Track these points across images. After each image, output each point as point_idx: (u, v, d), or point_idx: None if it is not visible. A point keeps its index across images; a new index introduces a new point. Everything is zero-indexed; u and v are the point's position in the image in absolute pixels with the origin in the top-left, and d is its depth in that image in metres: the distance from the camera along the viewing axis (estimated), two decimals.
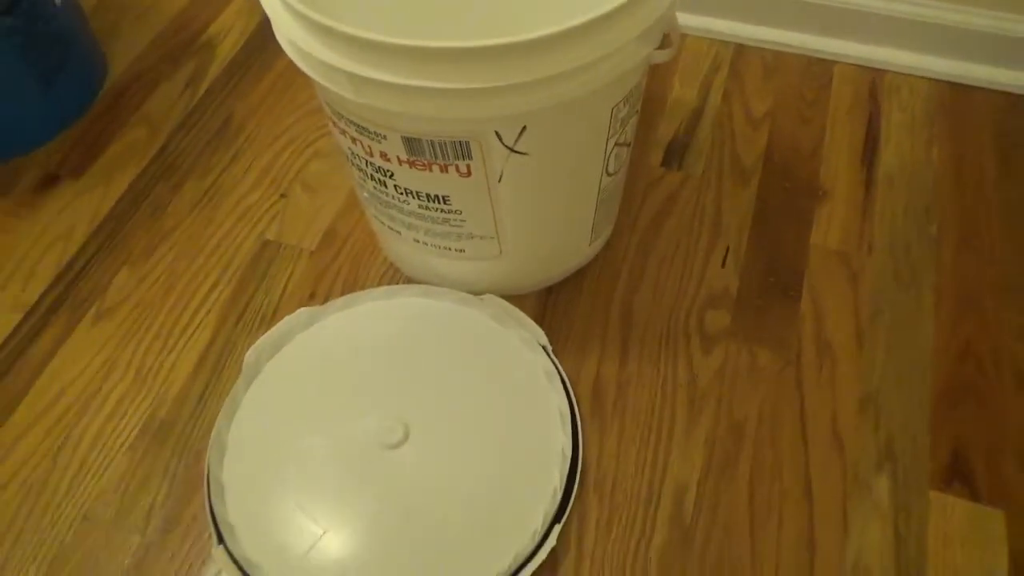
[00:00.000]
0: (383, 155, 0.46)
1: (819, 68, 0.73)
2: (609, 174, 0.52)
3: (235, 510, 0.49)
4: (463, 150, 0.43)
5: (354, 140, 0.46)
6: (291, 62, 0.74)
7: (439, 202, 0.48)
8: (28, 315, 0.60)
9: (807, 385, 0.54)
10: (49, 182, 0.68)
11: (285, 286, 0.61)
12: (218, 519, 0.48)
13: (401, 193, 0.49)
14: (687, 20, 0.76)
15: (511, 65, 0.38)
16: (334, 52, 0.39)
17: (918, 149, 0.66)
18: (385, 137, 0.44)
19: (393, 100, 0.39)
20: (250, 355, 0.55)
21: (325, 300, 0.59)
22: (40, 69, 0.67)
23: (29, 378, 0.56)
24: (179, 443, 0.53)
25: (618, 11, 0.38)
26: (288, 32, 0.41)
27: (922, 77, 0.71)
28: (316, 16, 0.38)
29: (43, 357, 0.57)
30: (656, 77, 0.72)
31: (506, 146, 0.43)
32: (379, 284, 0.60)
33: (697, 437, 0.52)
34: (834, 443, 0.51)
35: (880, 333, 0.56)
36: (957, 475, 0.50)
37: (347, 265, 0.62)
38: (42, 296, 0.61)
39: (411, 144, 0.43)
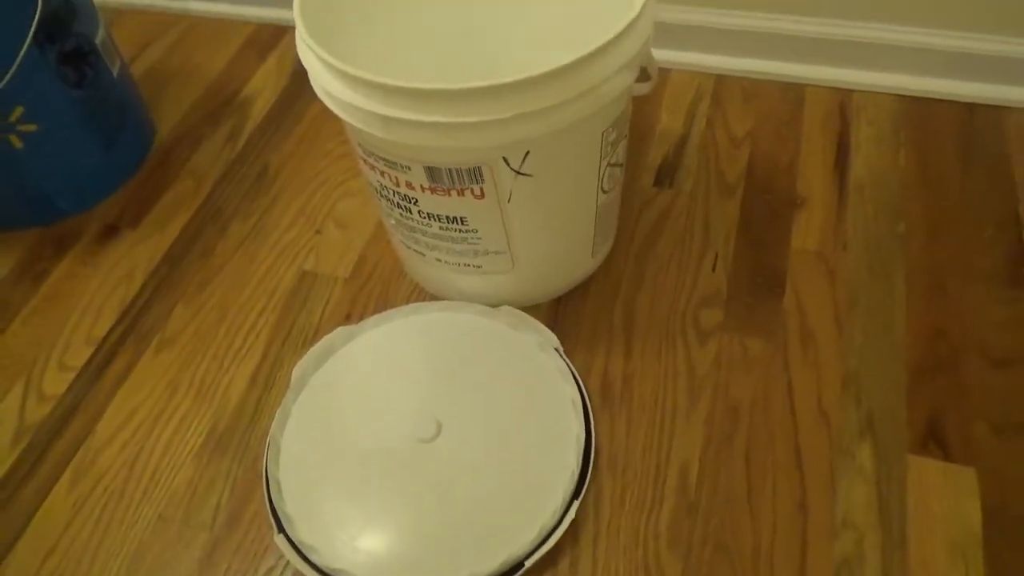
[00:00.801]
0: (408, 184, 0.53)
1: (792, 91, 0.80)
2: (604, 191, 0.59)
3: (291, 502, 0.55)
4: (476, 175, 0.51)
5: (383, 173, 0.54)
6: (319, 114, 0.84)
7: (458, 223, 0.56)
8: (99, 347, 0.67)
9: (794, 369, 0.60)
10: (110, 232, 0.76)
11: (324, 309, 0.68)
12: (277, 511, 0.55)
13: (424, 217, 0.57)
14: (671, 56, 0.84)
15: (515, 100, 0.45)
16: (366, 98, 0.46)
17: (885, 157, 0.73)
18: (409, 168, 0.52)
19: (416, 135, 0.47)
20: (296, 370, 0.62)
21: (360, 319, 0.66)
22: (102, 133, 0.76)
23: (104, 400, 0.64)
24: (238, 450, 0.60)
25: (600, 50, 0.46)
26: (325, 83, 0.49)
27: (886, 93, 0.79)
28: (349, 68, 0.46)
29: (115, 382, 0.65)
30: (645, 109, 0.80)
31: (513, 169, 0.51)
32: (407, 303, 0.67)
33: (697, 419, 0.58)
34: (820, 418, 0.57)
35: (857, 320, 0.62)
36: (932, 439, 0.56)
37: (378, 288, 0.69)
38: (110, 331, 0.68)
39: (432, 173, 0.51)
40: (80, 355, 0.67)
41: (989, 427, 0.56)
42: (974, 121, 0.75)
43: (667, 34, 0.82)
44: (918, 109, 0.77)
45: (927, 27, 0.75)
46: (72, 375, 0.66)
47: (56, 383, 0.65)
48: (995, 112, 0.76)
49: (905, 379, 0.59)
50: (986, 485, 0.53)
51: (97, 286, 0.72)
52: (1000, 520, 0.52)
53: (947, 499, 0.53)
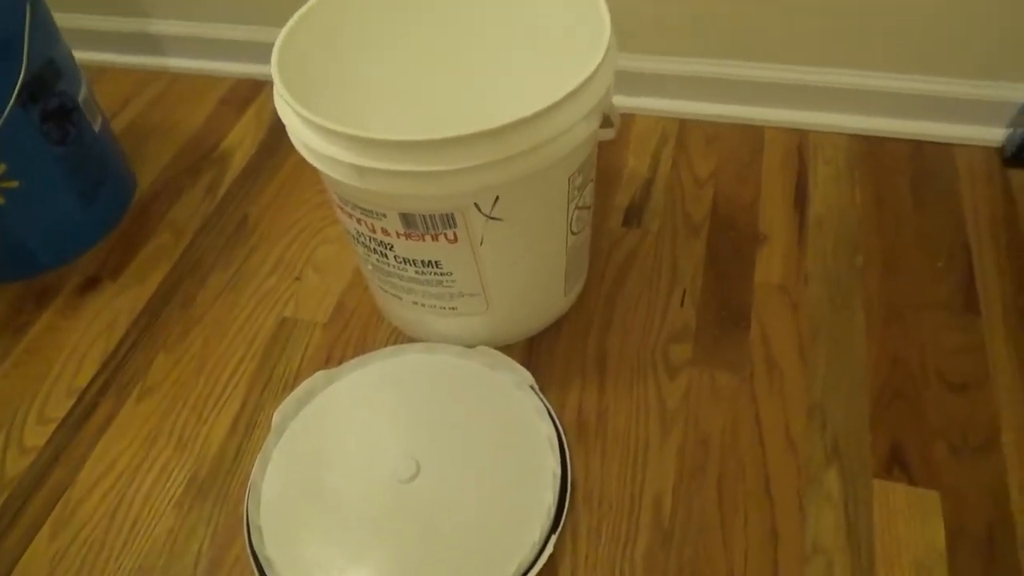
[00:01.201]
0: (384, 231, 0.56)
1: (752, 133, 0.84)
2: (573, 233, 0.62)
3: (272, 546, 0.56)
4: (449, 220, 0.53)
5: (359, 220, 0.56)
6: (296, 164, 0.86)
7: (432, 267, 0.58)
8: (80, 398, 0.68)
9: (761, 399, 0.62)
10: (91, 284, 0.77)
11: (303, 354, 0.69)
12: (258, 556, 0.56)
13: (400, 262, 0.58)
14: (636, 101, 0.88)
15: (484, 148, 0.48)
16: (342, 149, 0.49)
17: (842, 194, 0.77)
18: (385, 215, 0.54)
19: (391, 184, 0.49)
20: (277, 415, 0.63)
21: (339, 363, 0.67)
22: (83, 187, 0.77)
23: (85, 451, 0.64)
24: (219, 496, 0.61)
25: (562, 101, 0.49)
26: (302, 137, 0.51)
27: (841, 133, 0.83)
28: (326, 123, 0.48)
29: (96, 432, 0.65)
30: (612, 153, 0.83)
31: (484, 214, 0.53)
32: (385, 346, 0.68)
33: (669, 451, 0.60)
34: (788, 447, 0.59)
35: (820, 350, 0.65)
36: (895, 464, 0.58)
37: (356, 332, 0.71)
38: (91, 381, 0.69)
39: (407, 219, 0.53)
40: (61, 406, 0.67)
41: (949, 449, 0.58)
42: (924, 158, 0.79)
43: (631, 81, 0.86)
44: (871, 148, 0.81)
45: (877, 70, 0.79)
46: (52, 426, 0.66)
47: (36, 435, 0.66)
48: (943, 149, 0.80)
49: (867, 406, 0.61)
50: (948, 506, 0.55)
51: (78, 337, 0.73)
52: (962, 540, 0.54)
53: (912, 521, 0.55)
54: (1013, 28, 0.72)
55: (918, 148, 0.80)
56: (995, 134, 0.79)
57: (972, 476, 0.57)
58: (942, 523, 0.55)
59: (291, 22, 0.56)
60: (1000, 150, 0.79)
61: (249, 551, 0.56)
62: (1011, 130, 0.78)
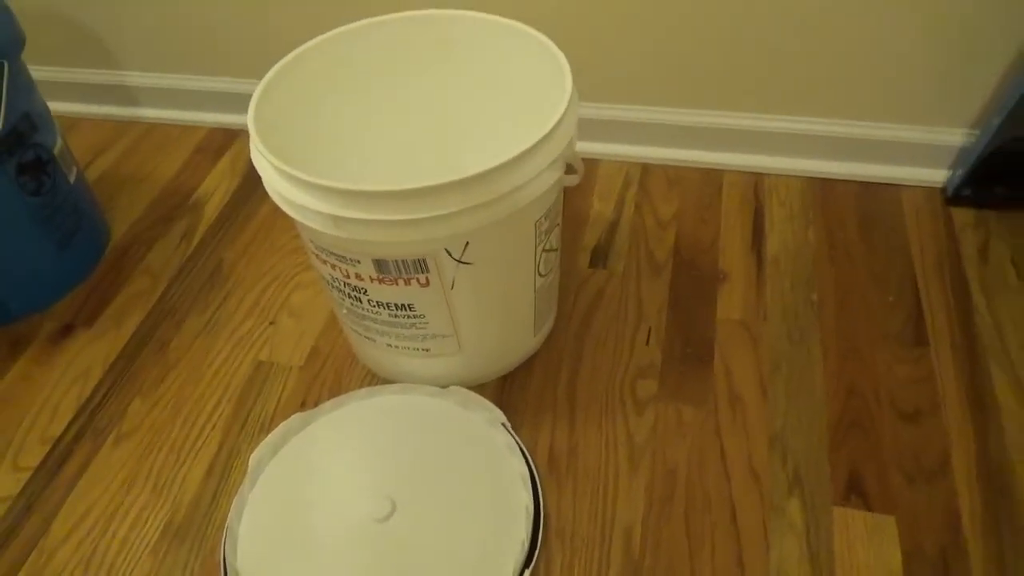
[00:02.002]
0: (358, 276, 0.58)
1: (712, 177, 0.88)
2: (541, 275, 0.64)
3: None
4: (421, 265, 0.55)
5: (334, 267, 0.58)
6: (270, 212, 0.88)
7: (405, 310, 0.60)
8: (54, 446, 0.68)
9: (724, 432, 0.64)
10: (66, 332, 0.78)
11: (279, 398, 0.70)
12: None
13: (374, 306, 0.60)
14: (601, 148, 0.91)
15: (453, 197, 0.50)
16: (317, 199, 0.51)
17: (797, 234, 0.80)
18: (359, 261, 0.56)
19: (364, 231, 0.51)
20: (253, 458, 0.64)
21: (315, 406, 0.68)
22: (58, 236, 0.79)
23: (59, 499, 0.64)
24: (196, 541, 0.61)
25: (528, 151, 0.51)
26: (278, 187, 0.53)
27: (795, 176, 0.87)
28: (302, 175, 0.50)
29: (71, 479, 0.66)
30: (579, 197, 0.87)
31: (455, 259, 0.55)
32: (360, 388, 0.70)
33: (638, 485, 0.62)
34: (751, 477, 0.62)
35: (780, 384, 0.67)
36: (854, 492, 0.60)
37: (331, 375, 0.72)
38: (66, 428, 0.69)
39: (380, 264, 0.55)
40: (34, 455, 0.68)
41: (903, 476, 0.61)
42: (872, 198, 0.83)
43: (597, 128, 0.90)
44: (823, 189, 0.85)
45: (826, 117, 0.84)
46: (27, 475, 0.66)
47: (9, 484, 0.66)
48: (890, 189, 0.84)
49: (826, 436, 0.64)
50: (904, 530, 0.58)
51: (53, 385, 0.73)
52: (917, 562, 0.56)
53: (871, 546, 0.57)
54: (948, 78, 0.77)
55: (867, 189, 0.85)
56: (938, 175, 0.84)
57: (926, 501, 0.59)
58: (898, 547, 0.57)
59: (267, 77, 0.59)
60: (943, 190, 0.84)
61: None
62: (951, 171, 0.83)
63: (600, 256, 0.80)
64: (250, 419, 0.69)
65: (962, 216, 0.80)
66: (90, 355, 0.75)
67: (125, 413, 0.70)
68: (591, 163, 0.91)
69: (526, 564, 0.57)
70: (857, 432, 0.64)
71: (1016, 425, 0.63)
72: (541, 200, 0.57)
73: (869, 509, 0.59)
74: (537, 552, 0.57)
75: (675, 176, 0.89)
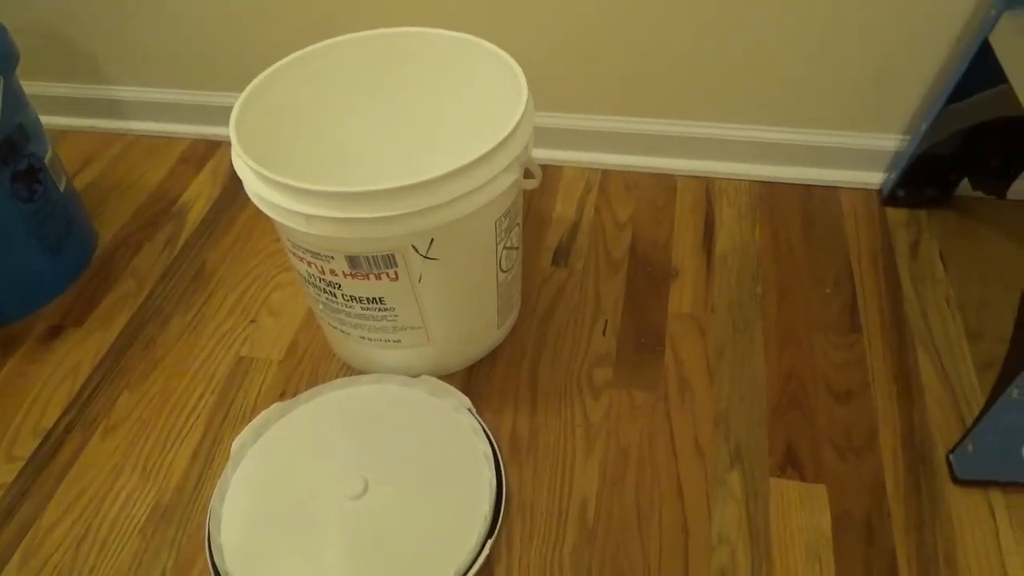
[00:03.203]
0: (332, 271, 0.63)
1: (666, 181, 0.94)
2: (503, 271, 0.70)
3: (233, 563, 0.61)
4: (391, 260, 0.60)
5: (309, 263, 0.63)
6: (251, 217, 0.93)
7: (377, 303, 0.65)
8: (46, 437, 0.72)
9: (673, 414, 0.70)
10: (56, 332, 0.82)
11: (260, 389, 0.75)
12: (220, 572, 0.61)
13: (347, 300, 0.65)
14: (563, 155, 0.97)
15: (417, 197, 0.55)
16: (293, 200, 0.56)
17: (744, 233, 0.86)
18: (332, 258, 0.61)
19: (335, 229, 0.56)
20: (235, 445, 0.68)
21: (293, 396, 0.73)
22: (49, 241, 0.83)
23: (52, 485, 0.68)
24: (182, 521, 0.66)
25: (486, 155, 0.57)
26: (257, 190, 0.59)
27: (742, 180, 0.93)
28: (278, 177, 0.56)
29: (63, 468, 0.70)
30: (543, 201, 0.92)
31: (421, 254, 0.61)
32: (336, 379, 0.75)
33: (593, 463, 0.67)
34: (697, 454, 0.67)
35: (725, 369, 0.73)
36: (790, 464, 0.66)
37: (308, 368, 0.77)
38: (57, 421, 0.74)
39: (352, 260, 0.61)
40: (27, 445, 0.72)
41: (835, 450, 0.67)
42: (813, 199, 0.90)
43: (560, 136, 0.96)
44: (768, 191, 0.91)
45: (770, 125, 0.90)
46: (20, 464, 0.70)
47: (3, 473, 0.70)
48: (830, 191, 0.91)
49: (766, 416, 0.69)
50: (834, 497, 0.63)
51: (44, 381, 0.77)
52: (845, 524, 0.62)
53: (803, 512, 0.63)
54: (881, 88, 0.83)
55: (808, 191, 0.91)
56: (874, 178, 0.90)
57: (855, 472, 0.65)
58: (828, 512, 0.63)
59: (247, 90, 0.64)
60: (879, 191, 0.90)
61: (211, 569, 0.61)
62: (887, 174, 0.89)
63: (562, 255, 0.86)
64: (232, 409, 0.74)
65: (896, 215, 0.87)
66: (80, 353, 0.80)
67: (114, 406, 0.75)
68: (555, 169, 0.97)
69: (489, 535, 0.61)
70: (794, 411, 0.70)
71: (938, 404, 0.69)
72: (500, 200, 0.62)
73: (803, 479, 0.65)
74: (499, 524, 0.62)
75: (632, 181, 0.95)
